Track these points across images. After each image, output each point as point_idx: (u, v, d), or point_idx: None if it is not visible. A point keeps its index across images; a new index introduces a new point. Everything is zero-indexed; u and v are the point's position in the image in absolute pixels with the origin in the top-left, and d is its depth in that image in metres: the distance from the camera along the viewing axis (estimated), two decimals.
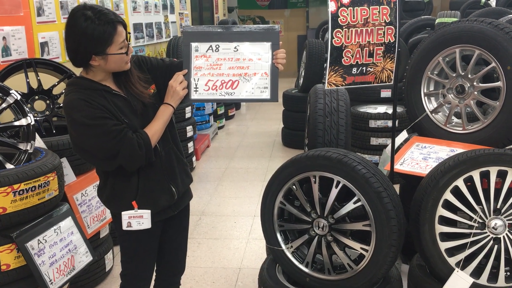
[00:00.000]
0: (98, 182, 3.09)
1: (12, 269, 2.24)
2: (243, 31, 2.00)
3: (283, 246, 2.40)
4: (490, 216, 2.13)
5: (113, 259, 3.36)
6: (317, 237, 2.31)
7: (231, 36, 1.99)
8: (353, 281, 2.23)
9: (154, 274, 2.28)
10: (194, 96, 2.00)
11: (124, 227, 1.98)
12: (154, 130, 1.93)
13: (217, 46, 1.99)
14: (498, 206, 2.12)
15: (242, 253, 3.62)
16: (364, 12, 2.31)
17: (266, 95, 2.01)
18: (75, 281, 2.89)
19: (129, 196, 1.98)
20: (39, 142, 2.69)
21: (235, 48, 1.99)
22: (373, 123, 4.87)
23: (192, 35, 1.99)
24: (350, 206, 2.20)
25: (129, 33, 1.94)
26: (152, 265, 2.19)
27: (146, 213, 1.98)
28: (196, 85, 1.99)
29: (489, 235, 2.13)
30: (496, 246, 2.12)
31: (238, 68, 1.99)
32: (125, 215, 1.97)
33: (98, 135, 1.82)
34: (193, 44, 1.98)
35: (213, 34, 1.99)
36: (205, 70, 1.99)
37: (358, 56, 2.36)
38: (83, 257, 2.58)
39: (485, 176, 2.15)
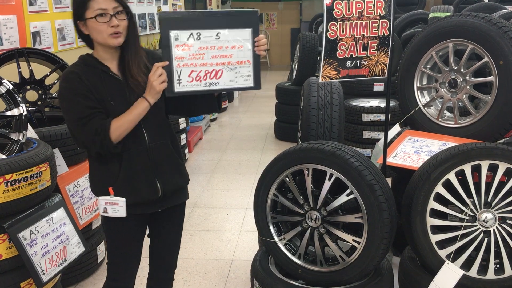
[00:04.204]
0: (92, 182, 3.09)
1: (4, 259, 2.23)
2: (222, 15, 1.94)
3: (276, 238, 2.42)
4: (480, 209, 2.15)
5: (105, 251, 3.35)
6: (309, 229, 2.32)
7: (211, 22, 1.92)
8: (345, 273, 2.25)
9: (148, 270, 2.27)
10: (177, 88, 1.92)
11: (101, 212, 2.01)
12: (122, 121, 1.90)
13: (198, 34, 1.90)
14: (489, 200, 2.15)
15: (235, 245, 3.63)
16: (359, 5, 2.31)
17: (250, 83, 1.99)
18: (67, 271, 2.89)
19: (107, 182, 1.99)
20: (31, 133, 2.67)
21: (217, 35, 1.92)
22: (365, 117, 4.89)
23: (170, 22, 1.88)
24: (342, 198, 2.22)
25: (126, 11, 1.90)
26: (134, 258, 2.15)
27: (122, 201, 1.97)
28: (179, 77, 1.91)
29: (479, 228, 2.15)
30: (486, 239, 2.14)
31: (221, 57, 1.94)
32: (102, 200, 1.99)
33: (68, 110, 1.92)
34: (173, 33, 1.88)
35: (192, 19, 1.91)
36: (188, 60, 1.91)
37: (352, 49, 2.37)
38: (75, 248, 2.57)
39: (476, 170, 2.17)
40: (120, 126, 1.90)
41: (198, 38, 1.91)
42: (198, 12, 1.94)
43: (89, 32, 1.91)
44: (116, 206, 1.98)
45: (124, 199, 1.97)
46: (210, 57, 1.93)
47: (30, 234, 2.29)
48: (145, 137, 1.98)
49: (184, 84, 1.92)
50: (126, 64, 1.95)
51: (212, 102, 2.08)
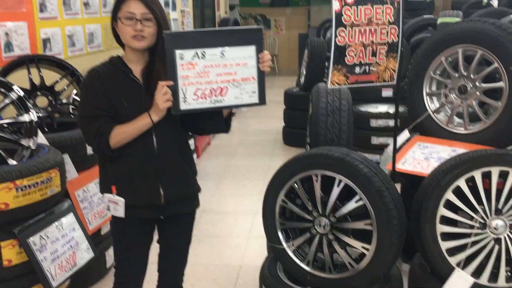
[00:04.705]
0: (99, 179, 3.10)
1: (14, 265, 2.25)
2: (226, 33, 1.96)
3: (285, 244, 2.41)
4: (491, 216, 2.13)
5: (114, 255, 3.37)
6: (318, 235, 2.31)
7: (215, 40, 1.93)
8: (354, 280, 2.23)
9: (157, 277, 2.27)
10: (183, 106, 1.93)
11: (106, 209, 2.06)
12: (122, 130, 1.94)
13: (203, 53, 1.91)
14: (500, 207, 2.13)
15: (243, 250, 3.63)
16: (367, 12, 2.31)
17: (255, 99, 2.01)
18: (76, 277, 2.89)
19: (111, 180, 2.02)
20: (41, 139, 2.69)
21: (221, 53, 1.93)
22: (374, 122, 4.87)
23: (174, 41, 1.90)
24: (351, 205, 2.21)
25: (156, 19, 1.95)
26: (139, 262, 2.15)
27: (121, 201, 2.00)
28: (184, 95, 1.92)
29: (490, 235, 2.13)
30: (497, 247, 2.13)
31: (225, 74, 1.95)
32: (106, 197, 2.05)
33: (80, 105, 2.04)
34: (177, 52, 1.89)
35: (196, 38, 1.92)
36: (193, 78, 1.92)
37: (361, 55, 2.36)
38: (85, 254, 2.58)
39: (486, 176, 2.15)
40: (120, 135, 1.94)
41: (203, 56, 1.92)
42: (202, 31, 1.96)
43: (118, 32, 1.99)
44: (116, 205, 2.02)
45: (123, 200, 2.00)
46: (215, 74, 1.94)
47: (40, 239, 2.31)
48: (153, 141, 1.99)
49: (190, 102, 1.94)
50: (155, 72, 1.98)
51: (220, 122, 2.10)
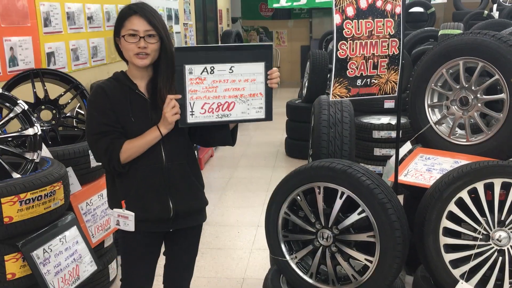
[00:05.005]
0: (102, 192, 3.11)
1: (18, 278, 2.25)
2: (236, 49, 1.98)
3: (288, 257, 2.41)
4: (494, 228, 2.13)
5: (117, 269, 3.36)
6: (321, 247, 2.31)
7: (225, 55, 1.96)
8: None
9: None
10: (190, 119, 1.97)
11: (114, 225, 2.07)
12: (132, 145, 1.96)
13: (212, 68, 1.94)
14: (503, 218, 2.13)
15: (246, 263, 3.62)
16: (368, 25, 2.33)
17: (261, 114, 2.03)
18: None
19: (121, 195, 2.03)
20: (45, 152, 2.70)
21: (230, 69, 1.96)
22: (376, 134, 4.88)
23: (184, 56, 1.93)
24: (354, 217, 2.21)
25: (159, 36, 1.97)
26: (146, 275, 2.16)
27: (131, 216, 2.01)
28: (192, 109, 1.96)
29: (493, 247, 2.13)
30: (500, 258, 2.12)
31: (234, 90, 1.98)
32: (115, 212, 2.05)
33: (87, 122, 2.04)
34: (187, 67, 1.92)
35: (206, 53, 1.94)
36: (201, 93, 1.95)
37: (362, 68, 2.38)
38: (88, 267, 2.58)
39: (489, 188, 2.15)
40: (129, 149, 1.95)
41: (212, 71, 1.95)
42: (212, 46, 1.99)
43: (121, 49, 2.01)
44: (126, 220, 2.02)
45: (133, 214, 2.01)
46: (223, 90, 1.97)
47: (44, 252, 2.31)
48: (162, 155, 2.01)
49: (197, 115, 1.97)
50: (159, 89, 2.00)
51: (226, 135, 2.12)
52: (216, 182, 5.56)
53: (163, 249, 2.22)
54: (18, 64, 3.30)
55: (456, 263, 2.18)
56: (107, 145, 1.95)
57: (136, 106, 2.00)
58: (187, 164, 2.08)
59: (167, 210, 2.03)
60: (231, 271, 3.51)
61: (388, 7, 2.37)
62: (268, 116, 2.04)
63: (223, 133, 2.11)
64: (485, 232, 2.14)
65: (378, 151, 4.88)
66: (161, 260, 2.23)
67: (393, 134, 4.79)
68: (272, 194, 2.44)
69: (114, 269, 3.29)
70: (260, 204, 4.76)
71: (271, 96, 2.03)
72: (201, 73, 1.94)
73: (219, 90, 1.96)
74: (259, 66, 1.98)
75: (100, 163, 2.04)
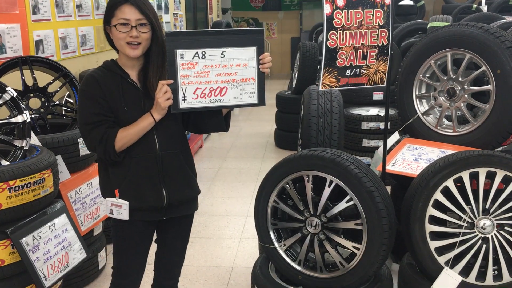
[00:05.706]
0: (91, 180, 3.10)
1: (7, 265, 2.25)
2: (227, 34, 1.97)
3: (276, 244, 2.44)
4: (479, 216, 2.17)
5: (106, 257, 3.37)
6: (309, 235, 2.34)
7: (216, 40, 1.95)
8: (345, 279, 2.26)
9: (153, 276, 2.29)
10: (182, 105, 1.96)
11: (108, 213, 2.06)
12: (126, 133, 1.95)
13: (203, 53, 1.94)
14: (487, 207, 2.17)
15: (235, 252, 3.65)
16: (358, 15, 2.35)
17: (254, 99, 2.03)
18: (68, 278, 2.90)
19: (114, 184, 2.02)
20: (34, 140, 2.69)
21: (222, 54, 1.95)
22: (365, 125, 4.92)
23: (176, 40, 1.92)
24: (342, 205, 2.24)
25: (150, 25, 1.95)
26: (138, 264, 2.17)
27: (125, 204, 2.01)
28: (184, 94, 1.95)
29: (477, 235, 2.17)
30: (484, 246, 2.17)
31: (225, 75, 1.98)
32: (109, 201, 2.05)
33: (79, 112, 2.01)
34: (178, 51, 1.92)
35: (197, 38, 1.94)
36: (193, 78, 1.95)
37: (352, 58, 2.40)
38: (77, 254, 2.59)
39: (474, 177, 2.19)
40: (124, 137, 1.95)
41: (203, 56, 1.94)
42: (204, 31, 1.98)
43: (112, 38, 1.99)
44: (120, 209, 2.02)
45: (127, 203, 2.01)
46: (215, 75, 1.97)
47: (33, 239, 2.31)
48: (156, 144, 2.01)
49: (189, 101, 1.96)
50: (149, 78, 2.00)
51: (219, 121, 2.12)
52: (206, 172, 5.58)
53: (154, 237, 2.23)
54: (6, 52, 3.27)
55: (441, 251, 2.23)
56: (102, 134, 1.93)
57: (129, 95, 1.99)
58: (181, 152, 2.08)
59: (161, 199, 2.03)
60: (220, 259, 3.53)
61: None
62: (261, 101, 2.04)
63: (216, 119, 2.11)
64: (470, 220, 2.18)
65: (366, 142, 4.93)
66: (152, 248, 2.25)
67: (382, 125, 4.83)
68: (261, 182, 2.46)
69: (104, 257, 3.30)
70: (249, 194, 4.79)
71: (263, 81, 2.03)
72: (193, 58, 1.93)
73: (211, 75, 1.96)
74: (251, 51, 1.98)
75: (93, 152, 2.02)
